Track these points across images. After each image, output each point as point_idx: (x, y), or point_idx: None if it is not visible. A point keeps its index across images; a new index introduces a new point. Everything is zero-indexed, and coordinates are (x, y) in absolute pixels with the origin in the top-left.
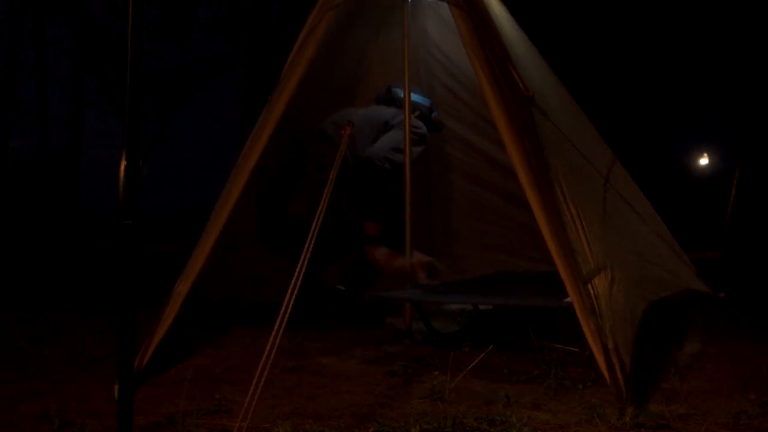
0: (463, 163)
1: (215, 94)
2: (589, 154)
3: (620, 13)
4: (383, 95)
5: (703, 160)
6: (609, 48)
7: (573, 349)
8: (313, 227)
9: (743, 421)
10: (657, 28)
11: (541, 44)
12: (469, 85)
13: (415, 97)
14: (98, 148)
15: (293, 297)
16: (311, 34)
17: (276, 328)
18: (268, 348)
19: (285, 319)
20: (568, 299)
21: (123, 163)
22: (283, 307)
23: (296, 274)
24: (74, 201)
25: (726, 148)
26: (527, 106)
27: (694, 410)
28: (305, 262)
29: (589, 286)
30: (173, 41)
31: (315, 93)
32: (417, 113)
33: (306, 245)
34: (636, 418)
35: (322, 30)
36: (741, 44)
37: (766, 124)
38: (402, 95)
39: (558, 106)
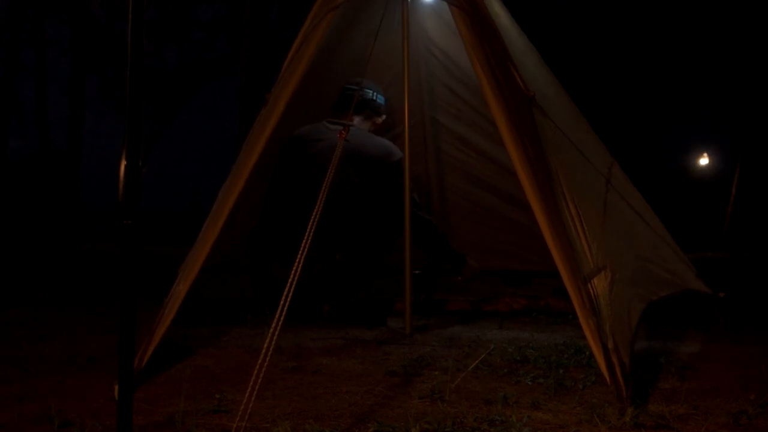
0: (462, 163)
1: (215, 94)
2: (589, 154)
3: (620, 13)
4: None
5: (703, 160)
6: (609, 48)
7: None
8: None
9: (743, 421)
10: (657, 28)
11: (541, 44)
12: (469, 84)
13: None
14: (98, 148)
15: (289, 297)
16: (311, 34)
17: (273, 327)
18: (265, 347)
19: (281, 319)
20: None
21: (123, 163)
22: (280, 307)
23: (292, 274)
24: (74, 201)
25: (726, 148)
26: (528, 106)
27: (694, 410)
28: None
29: (589, 286)
30: (173, 41)
31: (314, 93)
32: (384, 117)
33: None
34: (636, 418)
35: (322, 30)
36: (741, 44)
37: (766, 124)
38: (352, 89)
39: (558, 106)
